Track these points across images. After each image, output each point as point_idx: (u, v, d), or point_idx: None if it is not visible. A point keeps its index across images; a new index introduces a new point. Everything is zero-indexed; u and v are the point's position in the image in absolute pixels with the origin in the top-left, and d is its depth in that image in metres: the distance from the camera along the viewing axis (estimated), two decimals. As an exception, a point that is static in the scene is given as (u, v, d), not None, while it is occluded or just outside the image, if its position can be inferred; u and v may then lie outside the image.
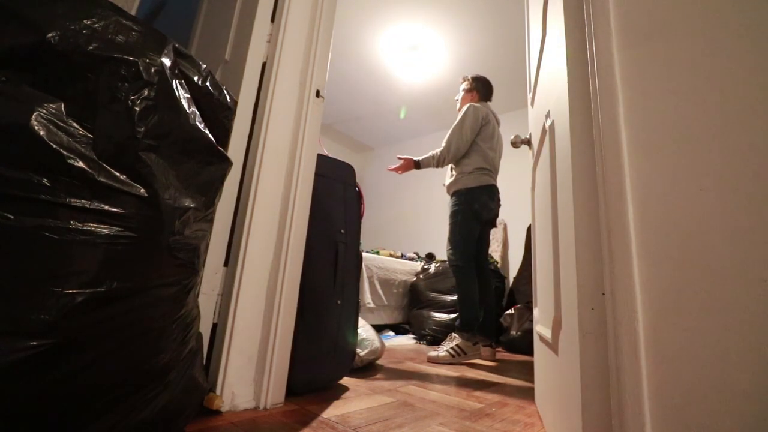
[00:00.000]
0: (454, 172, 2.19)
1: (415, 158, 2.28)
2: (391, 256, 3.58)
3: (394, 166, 2.33)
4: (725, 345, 0.43)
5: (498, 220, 4.01)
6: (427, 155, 2.25)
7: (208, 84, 0.72)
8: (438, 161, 2.20)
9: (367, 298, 2.81)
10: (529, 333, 2.42)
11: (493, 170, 2.17)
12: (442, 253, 3.76)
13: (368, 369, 1.57)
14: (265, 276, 1.04)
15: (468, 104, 2.20)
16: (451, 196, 2.18)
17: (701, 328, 0.45)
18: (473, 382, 1.47)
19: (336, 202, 1.33)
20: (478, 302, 2.05)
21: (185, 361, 0.68)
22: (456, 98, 2.42)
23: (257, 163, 1.05)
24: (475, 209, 2.07)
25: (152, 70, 0.59)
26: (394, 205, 5.09)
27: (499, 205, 2.21)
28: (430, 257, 3.86)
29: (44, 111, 0.50)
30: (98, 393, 0.52)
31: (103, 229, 0.51)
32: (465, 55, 3.34)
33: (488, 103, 2.33)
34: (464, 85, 2.36)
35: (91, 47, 0.54)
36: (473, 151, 2.15)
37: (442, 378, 1.53)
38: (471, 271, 2.05)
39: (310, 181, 1.17)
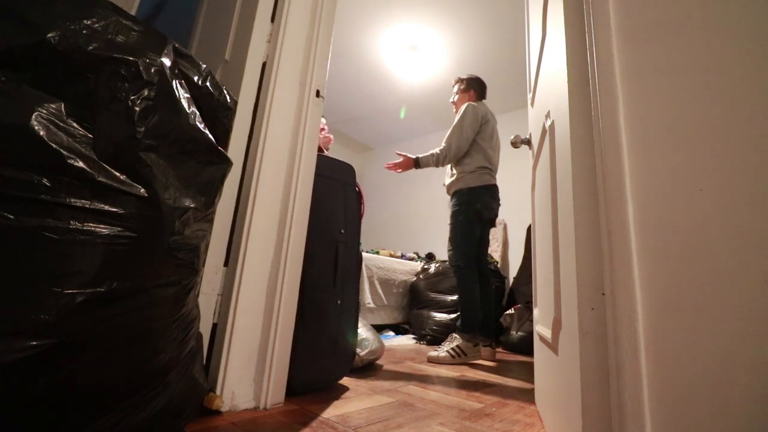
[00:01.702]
0: (454, 171, 2.18)
1: (414, 156, 2.26)
2: (391, 256, 3.58)
3: (392, 163, 2.30)
4: (725, 345, 0.43)
5: (498, 220, 4.01)
6: (427, 154, 2.23)
7: (208, 84, 0.72)
8: (438, 161, 2.18)
9: (367, 298, 2.81)
10: (529, 333, 2.42)
11: (494, 169, 2.16)
12: (441, 253, 3.76)
13: (368, 369, 1.57)
14: (265, 276, 1.04)
15: (466, 103, 2.19)
16: (452, 196, 2.17)
17: (701, 328, 0.45)
18: (473, 382, 1.47)
19: (336, 202, 1.33)
20: (479, 303, 2.04)
21: (185, 361, 0.68)
22: (451, 100, 2.41)
23: (257, 163, 1.05)
24: (477, 209, 2.05)
25: (152, 70, 0.59)
26: (394, 205, 5.09)
27: (499, 205, 2.20)
28: (430, 257, 3.86)
29: (44, 111, 0.50)
30: (98, 393, 0.53)
31: (103, 229, 0.51)
32: (465, 55, 3.34)
33: (484, 101, 2.33)
34: (459, 86, 2.35)
35: (91, 47, 0.54)
36: (474, 151, 2.14)
37: (442, 378, 1.53)
38: (473, 272, 2.04)
39: (310, 181, 1.17)
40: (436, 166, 2.22)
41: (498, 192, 2.18)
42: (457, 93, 2.36)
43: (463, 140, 2.11)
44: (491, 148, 2.16)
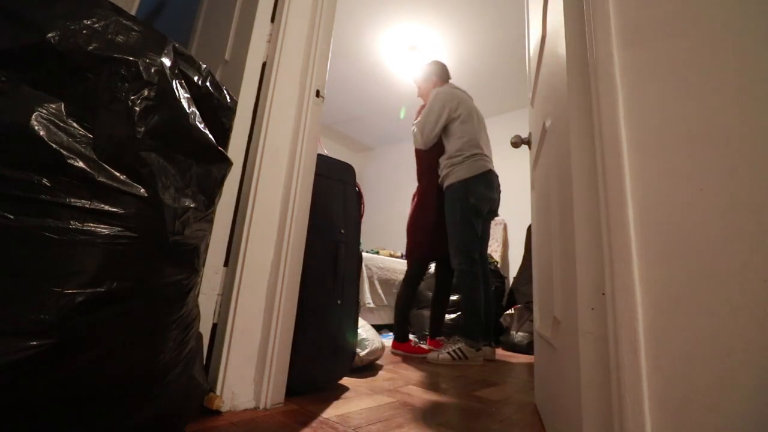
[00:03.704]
0: (443, 164, 2.04)
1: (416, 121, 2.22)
2: (391, 256, 3.58)
3: None
4: (725, 345, 0.43)
5: (498, 220, 4.01)
6: (416, 129, 2.16)
7: (208, 84, 0.72)
8: (414, 140, 2.16)
9: (367, 298, 2.81)
10: (529, 333, 2.42)
11: (484, 152, 2.02)
12: (442, 253, 3.75)
13: (368, 369, 1.57)
14: (265, 276, 1.04)
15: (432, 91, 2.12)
16: (445, 191, 2.03)
17: (701, 328, 0.45)
18: (473, 382, 1.47)
19: (336, 202, 1.33)
20: (483, 307, 1.93)
21: (185, 361, 0.68)
22: (419, 95, 2.31)
23: (257, 163, 1.05)
24: (472, 204, 1.92)
25: (152, 70, 0.59)
26: (394, 205, 5.09)
27: (499, 192, 2.08)
28: (430, 257, 3.84)
29: (44, 111, 0.50)
30: (98, 393, 0.52)
31: (103, 229, 0.51)
32: (465, 55, 3.34)
33: (451, 82, 2.24)
34: (419, 80, 2.26)
35: (91, 47, 0.54)
36: (456, 137, 2.01)
37: (442, 378, 1.53)
38: (476, 275, 1.91)
39: (310, 181, 1.17)
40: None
41: (495, 178, 2.04)
42: (419, 87, 2.27)
43: (427, 131, 2.04)
44: (475, 130, 2.03)
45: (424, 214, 2.14)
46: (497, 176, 2.09)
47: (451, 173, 2.01)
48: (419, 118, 2.12)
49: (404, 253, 3.95)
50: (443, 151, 2.12)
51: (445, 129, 2.08)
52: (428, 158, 2.17)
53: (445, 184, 2.04)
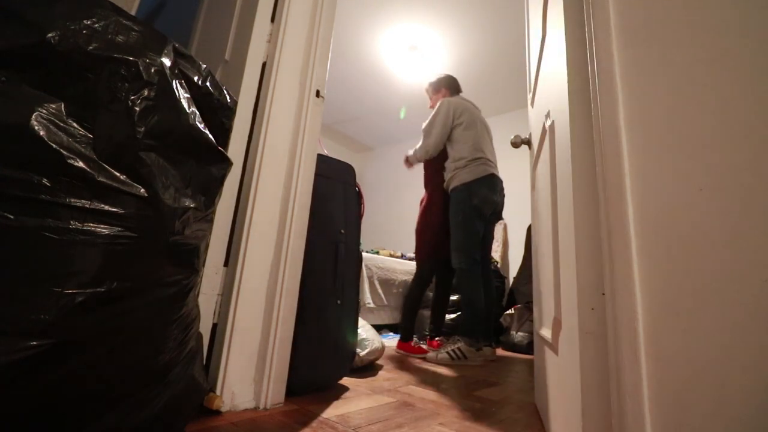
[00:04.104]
0: (448, 169, 2.13)
1: (405, 155, 2.34)
2: (391, 256, 3.58)
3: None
4: (725, 345, 0.43)
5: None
6: (412, 151, 2.29)
7: (208, 84, 0.72)
8: (417, 158, 2.25)
9: (367, 298, 2.80)
10: (529, 333, 2.42)
11: (487, 157, 2.08)
12: (442, 253, 3.74)
13: (368, 369, 1.57)
14: (265, 276, 1.04)
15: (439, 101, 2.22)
16: (450, 195, 2.11)
17: (701, 329, 0.45)
18: (473, 382, 1.47)
19: (336, 202, 1.33)
20: (484, 307, 1.95)
21: (185, 361, 0.68)
22: (430, 106, 2.41)
23: (257, 163, 1.05)
24: (475, 205, 1.97)
25: (152, 70, 0.59)
26: (394, 205, 5.09)
27: (503, 196, 2.13)
28: (430, 257, 3.84)
29: (44, 111, 0.50)
30: (98, 393, 0.53)
31: (103, 229, 0.51)
32: (465, 55, 3.34)
33: (461, 94, 2.34)
34: (430, 90, 2.39)
35: (91, 47, 0.54)
36: (460, 143, 2.08)
37: (442, 378, 1.53)
38: (477, 275, 1.95)
39: (310, 181, 1.17)
40: (419, 161, 2.28)
41: (499, 183, 2.10)
42: (430, 98, 2.38)
43: (432, 137, 2.13)
44: (478, 135, 2.10)
45: (430, 217, 2.22)
46: (501, 181, 2.14)
47: (455, 177, 2.07)
48: (425, 126, 2.21)
49: (404, 253, 3.98)
50: (447, 158, 2.19)
51: (449, 136, 2.16)
52: (434, 165, 2.28)
53: (450, 187, 2.11)
